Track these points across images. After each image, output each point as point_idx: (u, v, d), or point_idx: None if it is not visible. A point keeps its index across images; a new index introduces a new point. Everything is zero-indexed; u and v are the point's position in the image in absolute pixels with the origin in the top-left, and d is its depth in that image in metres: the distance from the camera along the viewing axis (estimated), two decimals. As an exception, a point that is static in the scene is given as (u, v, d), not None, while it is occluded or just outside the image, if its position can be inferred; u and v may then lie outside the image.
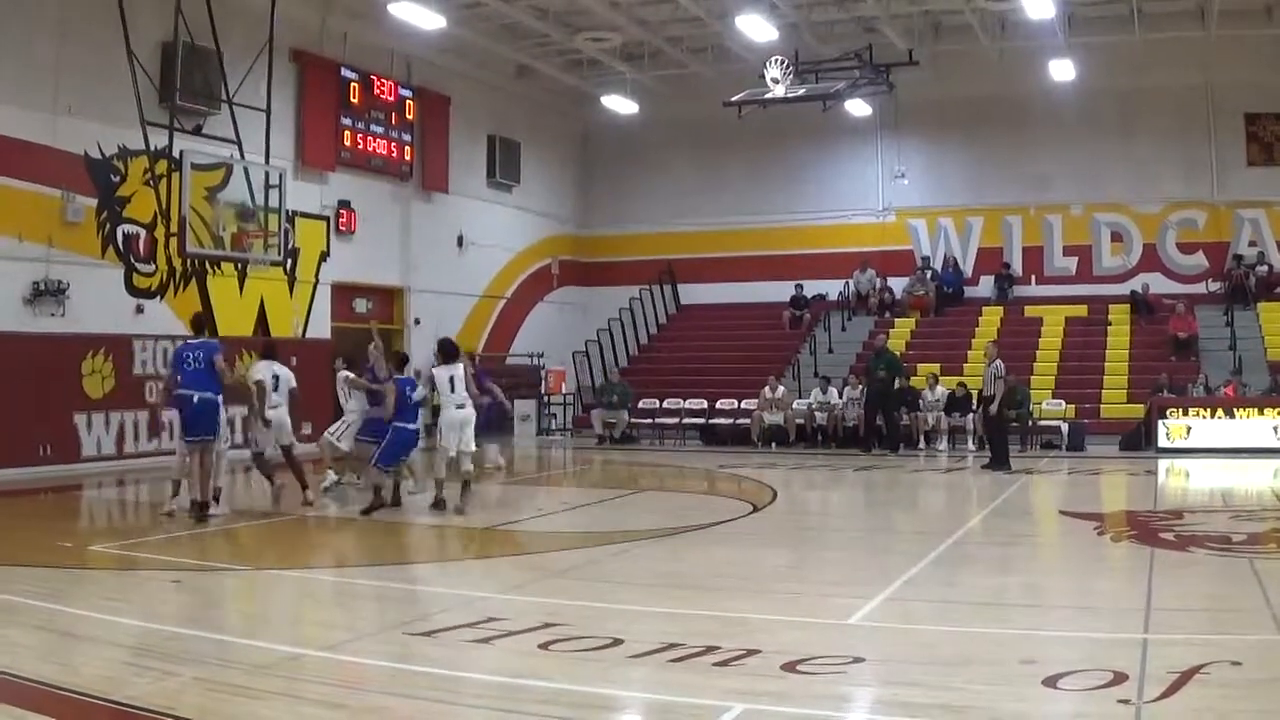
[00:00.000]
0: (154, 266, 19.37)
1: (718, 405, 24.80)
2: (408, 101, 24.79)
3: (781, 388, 23.79)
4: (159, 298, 19.50)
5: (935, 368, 23.62)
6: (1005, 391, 18.68)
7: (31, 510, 14.35)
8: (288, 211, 20.00)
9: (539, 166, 29.72)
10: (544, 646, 6.85)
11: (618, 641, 6.92)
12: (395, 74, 24.51)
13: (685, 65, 26.88)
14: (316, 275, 22.73)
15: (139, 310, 19.13)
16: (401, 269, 25.16)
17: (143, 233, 19.10)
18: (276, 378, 13.91)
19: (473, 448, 13.25)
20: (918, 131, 28.25)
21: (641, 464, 20.74)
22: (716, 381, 25.71)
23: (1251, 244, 26.25)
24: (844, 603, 8.11)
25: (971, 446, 21.50)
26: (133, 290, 19.11)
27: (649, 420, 25.07)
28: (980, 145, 27.84)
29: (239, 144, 18.93)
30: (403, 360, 14.13)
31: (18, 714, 5.49)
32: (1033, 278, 28.04)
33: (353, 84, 23.31)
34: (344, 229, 23.39)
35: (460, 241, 26.80)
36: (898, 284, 28.67)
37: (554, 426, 27.30)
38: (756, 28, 22.45)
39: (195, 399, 12.29)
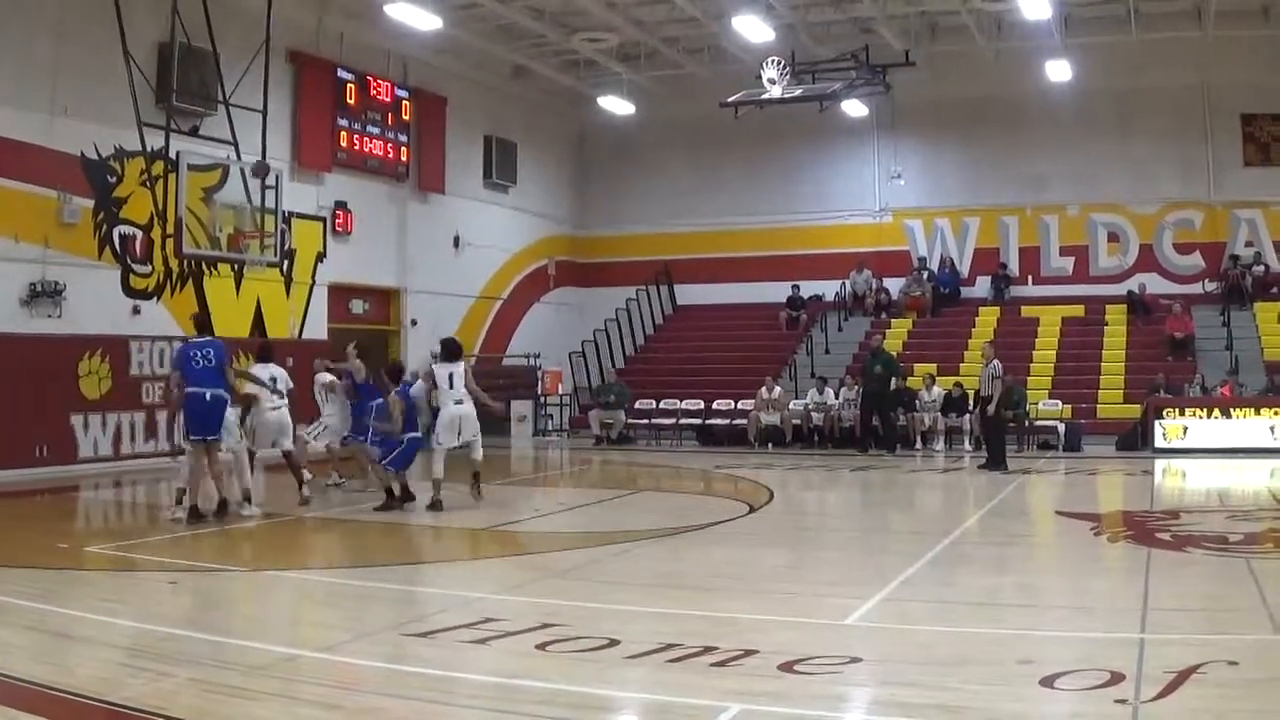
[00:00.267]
0: (150, 267, 19.35)
1: (714, 406, 24.81)
2: (404, 102, 24.78)
3: (778, 388, 23.79)
4: (156, 299, 19.49)
5: (932, 368, 23.64)
6: (1002, 391, 18.70)
7: (28, 511, 14.34)
8: (284, 212, 20.01)
9: (536, 167, 29.72)
10: (541, 647, 6.84)
11: (615, 642, 6.91)
12: (391, 74, 24.51)
13: (682, 66, 26.88)
14: (313, 276, 22.72)
15: (136, 311, 19.12)
16: (398, 270, 25.15)
17: (139, 234, 19.09)
18: (274, 379, 13.98)
19: (478, 437, 13.47)
20: (914, 132, 28.26)
21: (638, 464, 20.73)
22: (713, 382, 25.71)
23: (1248, 244, 26.28)
24: (841, 603, 8.10)
25: (968, 447, 21.50)
26: (129, 291, 19.10)
27: (645, 421, 25.08)
28: (977, 146, 27.86)
29: (235, 145, 18.92)
30: (399, 371, 14.11)
31: (12, 715, 5.48)
32: (1029, 278, 28.06)
33: (349, 85, 23.31)
34: (340, 230, 23.38)
35: (457, 242, 26.79)
36: (894, 284, 28.69)
37: (551, 427, 27.28)
38: (753, 28, 22.45)
39: (208, 395, 12.16)
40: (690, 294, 30.82)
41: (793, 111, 24.02)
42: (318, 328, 22.62)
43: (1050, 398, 22.92)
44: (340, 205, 23.39)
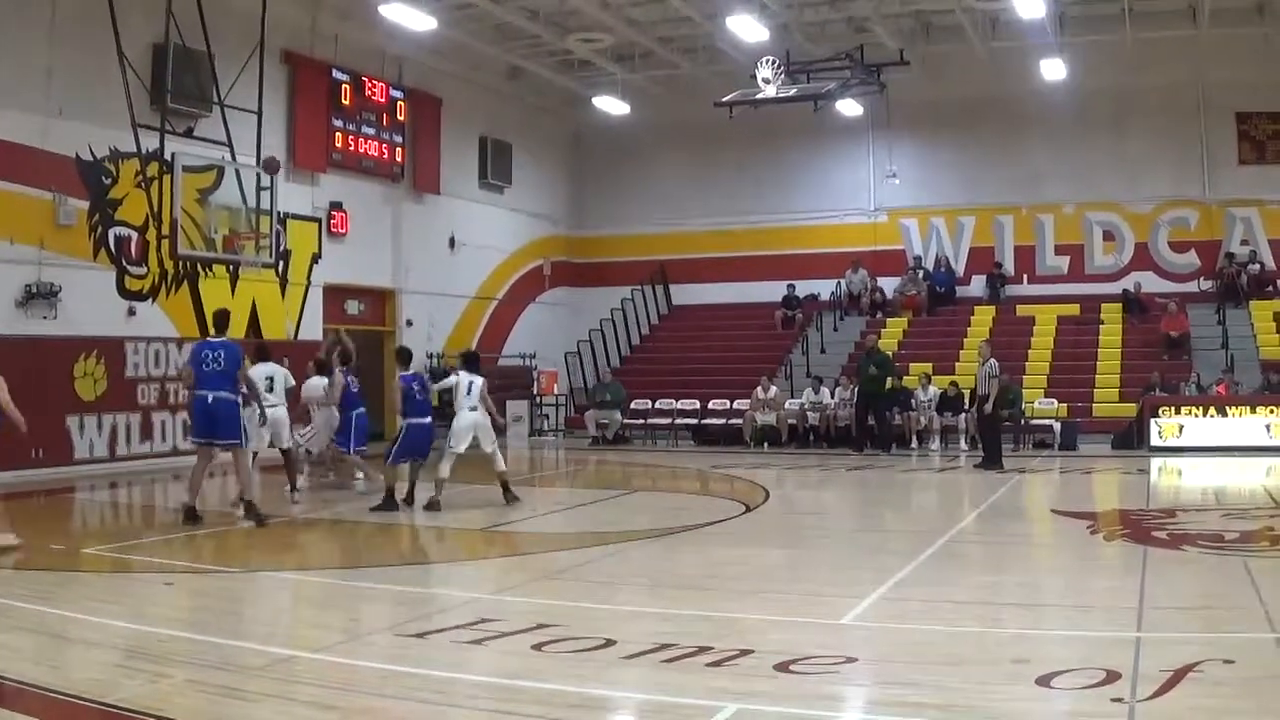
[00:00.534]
0: (146, 269, 19.33)
1: (710, 405, 24.79)
2: (399, 103, 24.77)
3: (774, 388, 23.78)
4: (151, 300, 19.46)
5: (928, 367, 23.63)
6: (998, 391, 18.72)
7: (24, 513, 14.28)
8: (279, 213, 20.00)
9: (531, 167, 29.70)
10: (537, 647, 6.85)
11: (611, 642, 6.91)
12: (386, 75, 24.49)
13: (676, 66, 26.88)
14: (308, 277, 22.70)
15: (131, 313, 19.08)
16: (393, 270, 25.13)
17: (134, 235, 19.06)
18: (270, 379, 13.98)
19: (492, 447, 13.83)
20: (909, 131, 28.23)
21: (634, 464, 20.73)
22: (709, 382, 25.71)
23: (1243, 242, 26.32)
24: (837, 602, 8.12)
25: (964, 446, 21.52)
26: (124, 293, 19.06)
27: (641, 421, 25.08)
28: (972, 145, 27.87)
29: (230, 146, 18.91)
30: (407, 356, 14.11)
31: (8, 716, 5.47)
32: (1025, 277, 28.10)
33: (344, 85, 23.29)
34: (335, 231, 23.37)
35: (452, 243, 26.77)
36: (889, 284, 28.73)
37: (546, 427, 27.28)
38: (747, 28, 22.44)
39: (210, 399, 12.14)
40: (686, 294, 30.83)
41: (787, 111, 23.98)
42: (313, 329, 22.57)
43: (1046, 396, 22.96)
44: (335, 206, 23.37)
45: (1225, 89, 25.72)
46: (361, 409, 15.39)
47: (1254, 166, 26.08)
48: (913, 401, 22.36)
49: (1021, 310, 26.97)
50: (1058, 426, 21.89)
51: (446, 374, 15.08)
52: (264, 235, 19.32)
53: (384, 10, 20.62)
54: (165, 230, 18.23)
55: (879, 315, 28.02)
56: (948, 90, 26.70)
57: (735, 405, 24.30)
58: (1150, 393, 21.66)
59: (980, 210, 28.36)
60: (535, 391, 27.02)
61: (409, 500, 13.63)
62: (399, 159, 24.89)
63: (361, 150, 23.87)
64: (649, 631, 7.23)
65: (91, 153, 18.39)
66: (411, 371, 13.86)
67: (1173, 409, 20.95)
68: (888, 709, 5.79)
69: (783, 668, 6.30)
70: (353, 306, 24.24)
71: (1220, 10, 23.20)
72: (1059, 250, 27.87)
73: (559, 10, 23.67)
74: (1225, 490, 15.93)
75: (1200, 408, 20.82)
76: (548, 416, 27.49)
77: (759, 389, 23.57)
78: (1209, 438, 20.40)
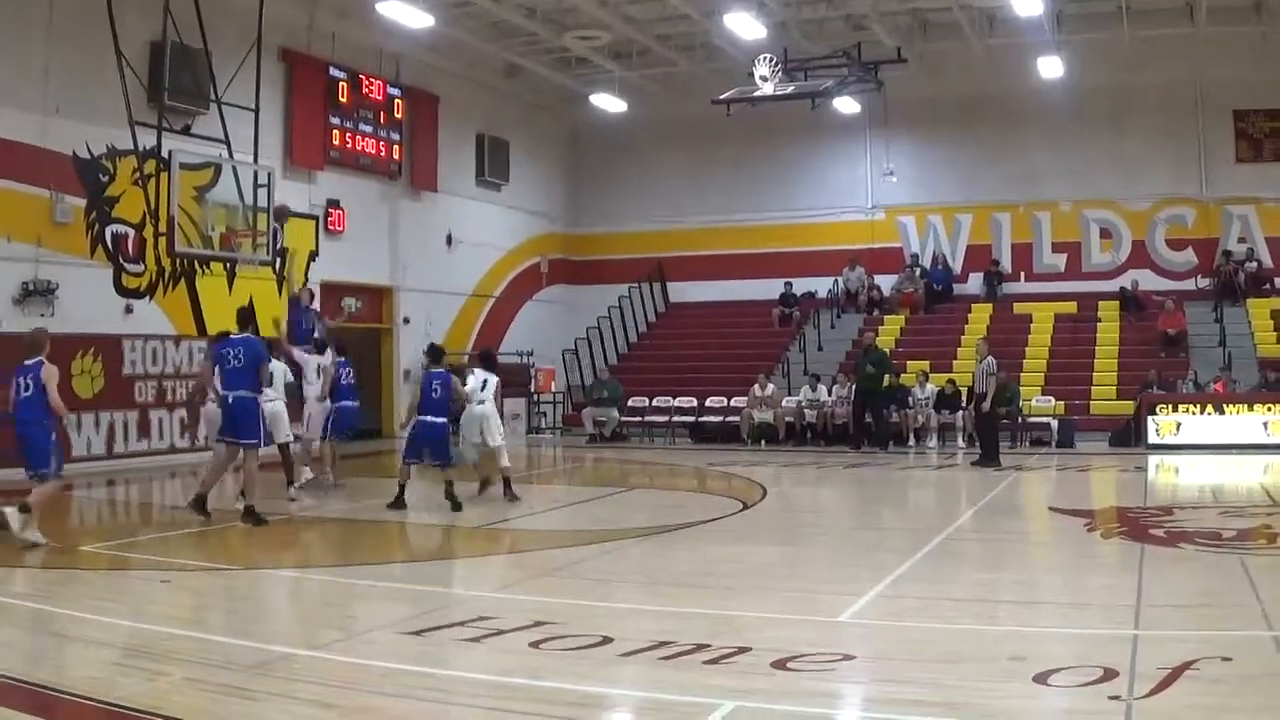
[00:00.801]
0: (143, 266, 19.31)
1: (707, 403, 24.81)
2: (396, 100, 24.76)
3: (771, 385, 23.79)
4: (148, 298, 19.45)
5: (925, 365, 23.62)
6: (996, 388, 18.73)
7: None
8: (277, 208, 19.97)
9: (528, 165, 29.68)
10: (535, 645, 6.85)
11: (608, 640, 6.91)
12: (384, 73, 24.48)
13: (674, 63, 26.87)
14: (306, 274, 22.67)
15: (128, 310, 19.07)
16: (390, 268, 25.13)
17: (131, 233, 19.05)
18: (270, 374, 13.97)
19: (500, 441, 14.26)
20: (906, 129, 28.26)
21: (632, 462, 20.74)
22: (706, 379, 25.72)
23: (1240, 240, 26.35)
24: (834, 600, 8.12)
25: (961, 444, 21.54)
26: (122, 290, 19.04)
27: (639, 418, 25.09)
28: (969, 142, 27.88)
29: (228, 143, 18.89)
30: (437, 354, 14.07)
31: (7, 714, 5.47)
32: (1022, 274, 28.12)
33: (341, 83, 23.28)
34: (333, 228, 23.36)
35: (449, 240, 26.77)
36: (887, 281, 28.75)
37: (544, 425, 27.28)
38: (745, 26, 22.46)
39: (230, 399, 12.22)
40: (683, 291, 30.84)
41: (785, 109, 23.96)
42: (311, 326, 22.57)
43: (1043, 394, 22.99)
44: (333, 203, 23.37)
45: (1222, 87, 25.73)
46: (347, 402, 15.38)
47: (1251, 164, 26.10)
48: (910, 399, 22.36)
49: (1019, 308, 26.99)
50: (1055, 424, 21.90)
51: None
52: (261, 233, 19.28)
53: (381, 8, 20.60)
54: (162, 228, 18.21)
55: (876, 313, 28.04)
56: (945, 88, 26.70)
57: (732, 403, 24.31)
58: (1148, 390, 21.68)
59: (977, 208, 28.37)
60: (533, 389, 27.02)
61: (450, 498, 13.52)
62: (396, 157, 24.87)
63: (359, 148, 23.86)
64: (646, 629, 7.23)
65: (89, 150, 18.37)
66: (440, 369, 13.73)
67: (1170, 406, 20.96)
68: (885, 706, 5.79)
69: (780, 665, 6.31)
70: (350, 304, 24.18)
71: (1217, 8, 23.21)
72: (1056, 248, 27.88)
73: (556, 8, 23.67)
74: (1222, 488, 15.95)
75: (1198, 405, 20.84)
76: (545, 414, 27.48)
77: (756, 386, 23.58)
78: (1206, 435, 20.41)
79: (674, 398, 25.11)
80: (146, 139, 18.08)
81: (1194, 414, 20.72)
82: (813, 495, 17.22)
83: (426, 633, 7.23)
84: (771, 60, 21.23)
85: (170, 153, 18.08)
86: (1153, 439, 20.70)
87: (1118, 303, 26.11)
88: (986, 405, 18.64)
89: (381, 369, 24.85)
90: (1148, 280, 26.60)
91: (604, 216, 31.38)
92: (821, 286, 29.00)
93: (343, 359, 15.59)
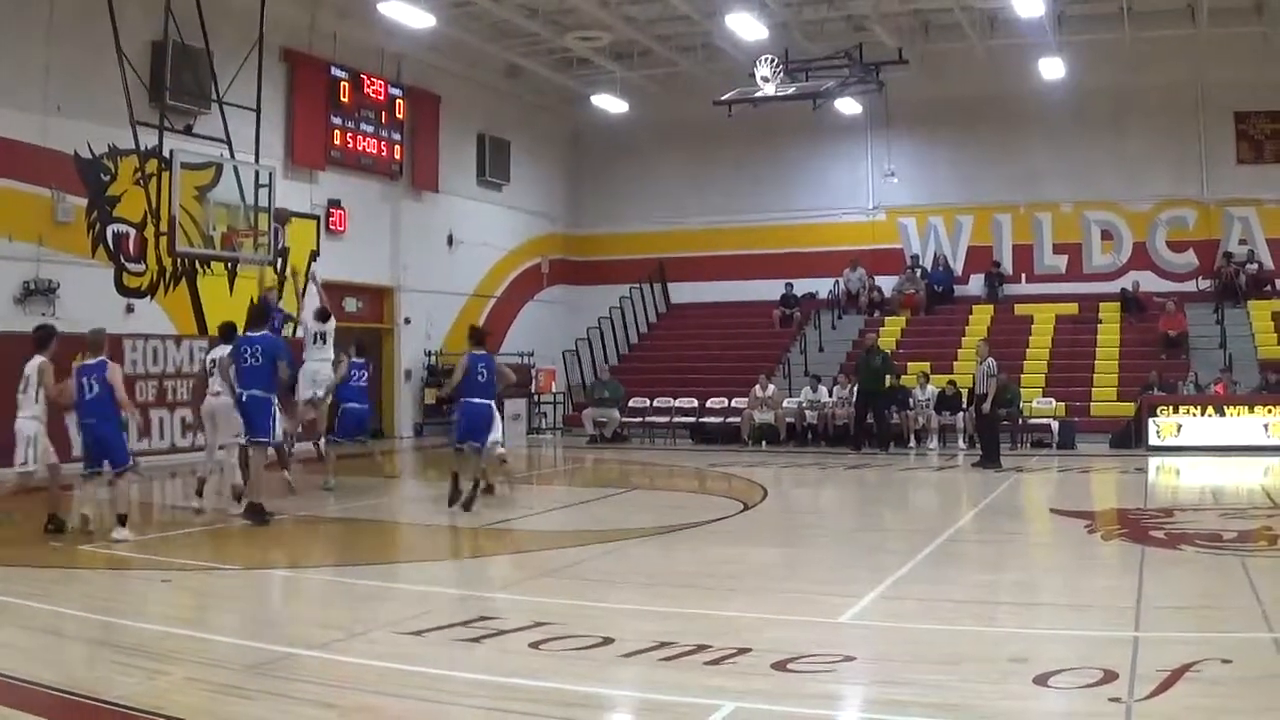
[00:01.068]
0: (144, 266, 19.32)
1: (708, 404, 24.80)
2: (398, 100, 24.77)
3: (772, 386, 23.79)
4: (149, 297, 19.47)
5: (925, 366, 23.61)
6: (997, 389, 18.73)
7: (22, 510, 14.27)
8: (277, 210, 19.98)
9: (529, 165, 29.69)
10: (535, 645, 6.85)
11: (608, 640, 6.91)
12: (385, 73, 24.49)
13: (675, 64, 26.88)
14: (306, 274, 22.64)
15: (129, 310, 19.08)
16: (391, 268, 25.13)
17: (133, 232, 19.07)
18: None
19: (498, 435, 14.17)
20: (908, 130, 28.27)
21: (632, 463, 20.72)
22: (707, 380, 25.70)
23: (1241, 242, 26.32)
24: (835, 601, 8.11)
25: (962, 445, 21.53)
26: (123, 290, 19.06)
27: (639, 419, 25.08)
28: (970, 144, 27.86)
29: (229, 143, 18.91)
30: (479, 336, 14.00)
31: (6, 713, 5.47)
32: (1023, 276, 28.10)
33: (342, 83, 23.29)
34: (334, 228, 23.36)
35: (450, 240, 26.78)
36: (888, 282, 28.73)
37: (545, 425, 27.28)
38: (746, 26, 22.46)
39: (244, 397, 12.31)
40: (684, 292, 30.83)
41: (786, 110, 23.97)
42: (310, 326, 22.56)
43: (1044, 395, 22.97)
44: (334, 203, 23.38)
45: (1223, 88, 25.72)
46: (355, 404, 15.37)
47: (1252, 166, 26.09)
48: (910, 400, 22.35)
49: (1019, 309, 26.98)
50: (1056, 425, 21.89)
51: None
52: (262, 232, 19.29)
53: (383, 8, 20.61)
54: (164, 227, 18.23)
55: (877, 314, 28.01)
56: (946, 89, 26.69)
57: (733, 404, 24.30)
58: (1148, 392, 21.66)
59: (978, 209, 28.36)
60: (533, 390, 27.01)
61: (487, 489, 13.63)
62: (397, 157, 24.88)
63: (360, 148, 23.87)
64: (647, 630, 7.23)
65: (90, 150, 18.39)
66: (482, 351, 13.61)
67: (1171, 408, 20.94)
68: (885, 708, 5.79)
69: (780, 666, 6.30)
70: (351, 304, 24.19)
71: (1219, 10, 23.21)
72: (1057, 249, 27.87)
73: (557, 8, 23.67)
74: (1223, 490, 15.93)
75: (1198, 407, 20.82)
76: (546, 414, 27.47)
77: (757, 387, 23.58)
78: (1207, 437, 20.39)
79: (675, 398, 25.10)
80: (148, 138, 18.10)
81: (1195, 416, 20.70)
82: (813, 496, 17.22)
83: (426, 633, 7.23)
84: (773, 61, 21.25)
85: (171, 152, 18.10)
86: (1153, 441, 20.68)
87: (1118, 304, 26.08)
88: (987, 407, 18.63)
89: (382, 369, 24.83)
90: (1149, 282, 26.59)
91: (605, 217, 31.38)
92: (822, 287, 29.00)
93: (360, 360, 15.57)
